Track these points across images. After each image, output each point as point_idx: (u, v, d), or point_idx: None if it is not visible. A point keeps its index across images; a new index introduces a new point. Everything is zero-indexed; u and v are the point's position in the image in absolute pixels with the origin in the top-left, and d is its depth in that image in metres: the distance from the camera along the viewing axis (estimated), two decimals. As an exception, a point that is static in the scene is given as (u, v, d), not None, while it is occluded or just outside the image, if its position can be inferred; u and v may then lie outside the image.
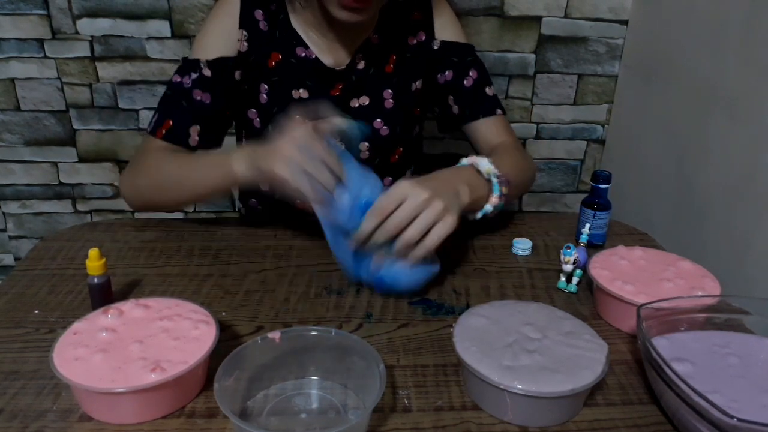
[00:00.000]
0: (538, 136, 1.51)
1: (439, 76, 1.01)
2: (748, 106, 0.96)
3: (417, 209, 0.71)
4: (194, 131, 0.91)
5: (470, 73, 1.01)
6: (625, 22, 1.40)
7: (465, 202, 0.78)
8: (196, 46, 0.92)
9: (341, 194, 0.73)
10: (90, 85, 1.38)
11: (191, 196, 0.90)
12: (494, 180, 0.83)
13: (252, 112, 0.96)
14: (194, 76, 0.90)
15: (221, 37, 0.91)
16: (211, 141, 0.94)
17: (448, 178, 0.79)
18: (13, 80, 1.36)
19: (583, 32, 1.40)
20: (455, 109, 1.02)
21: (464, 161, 0.85)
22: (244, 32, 0.91)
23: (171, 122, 0.90)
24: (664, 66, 1.23)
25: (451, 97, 1.02)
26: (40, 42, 1.33)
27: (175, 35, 1.35)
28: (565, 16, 1.39)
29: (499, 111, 1.02)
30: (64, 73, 1.37)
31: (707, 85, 1.07)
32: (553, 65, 1.43)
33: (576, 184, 1.59)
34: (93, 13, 1.32)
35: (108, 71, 1.37)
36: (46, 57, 1.35)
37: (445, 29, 1.00)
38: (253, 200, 1.07)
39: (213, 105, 0.91)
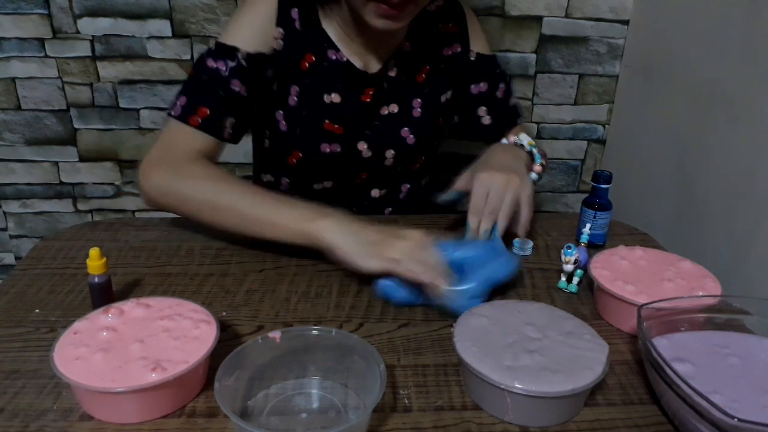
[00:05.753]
0: (538, 136, 1.51)
1: (473, 86, 1.03)
2: (748, 106, 0.96)
3: (502, 193, 0.81)
4: (229, 123, 0.88)
5: (500, 86, 1.05)
6: (626, 22, 1.40)
7: (523, 167, 0.88)
8: (231, 32, 0.88)
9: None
10: (91, 85, 1.38)
11: (252, 235, 0.81)
12: (535, 151, 0.94)
13: (279, 114, 0.94)
14: (231, 64, 0.85)
15: (259, 31, 0.88)
16: (237, 136, 0.92)
17: (505, 158, 0.88)
18: (14, 79, 1.36)
19: (584, 32, 1.40)
20: (486, 120, 1.05)
21: (504, 141, 0.95)
22: (281, 30, 0.89)
23: (207, 110, 0.85)
24: (665, 66, 1.23)
25: (484, 108, 1.05)
26: (41, 41, 1.33)
27: (176, 35, 1.35)
28: (566, 15, 1.39)
29: (519, 119, 1.09)
30: (65, 73, 1.37)
31: (708, 85, 1.07)
32: (554, 65, 1.43)
33: (577, 184, 1.59)
34: (94, 13, 1.32)
35: (109, 71, 1.37)
36: (47, 56, 1.35)
37: (478, 42, 1.03)
38: None
39: (247, 98, 0.88)
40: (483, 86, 1.04)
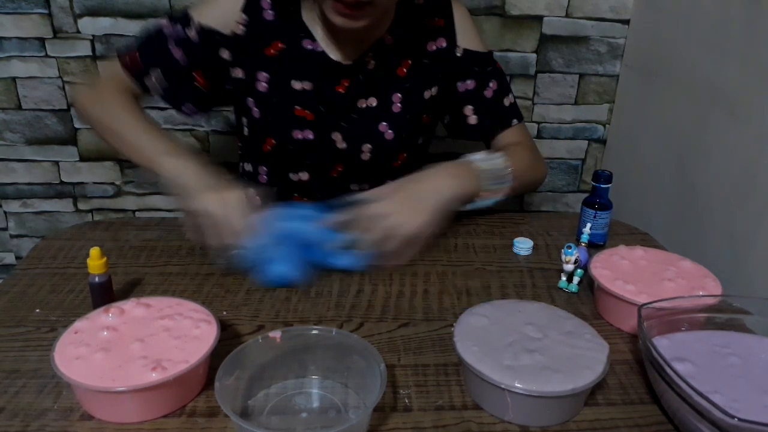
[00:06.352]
0: (539, 136, 1.51)
1: (459, 84, 1.00)
2: (749, 105, 0.96)
3: (382, 224, 0.81)
4: (156, 76, 0.93)
5: (490, 84, 1.01)
6: (626, 22, 1.40)
7: (448, 196, 0.87)
8: (198, 4, 0.94)
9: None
10: (91, 84, 1.38)
11: (127, 156, 0.90)
12: (487, 176, 0.91)
13: (250, 101, 0.96)
14: (180, 31, 0.91)
15: (221, 11, 0.92)
16: (171, 96, 0.96)
17: (425, 179, 0.87)
18: (14, 79, 1.36)
19: (585, 32, 1.40)
20: (472, 119, 1.02)
21: (461, 158, 0.92)
22: (245, 16, 0.92)
23: (138, 58, 0.93)
24: (666, 66, 1.23)
25: (470, 107, 1.02)
26: (42, 41, 1.33)
27: (176, 34, 1.35)
28: (567, 15, 1.39)
29: (515, 121, 1.04)
30: (66, 72, 1.37)
31: (708, 85, 1.07)
32: (555, 65, 1.43)
33: (577, 184, 1.59)
34: (94, 12, 1.32)
35: (109, 70, 1.37)
36: (47, 56, 1.35)
37: (466, 37, 1.00)
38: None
39: (185, 66, 0.92)
40: (470, 84, 1.00)
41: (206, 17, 0.92)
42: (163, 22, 0.93)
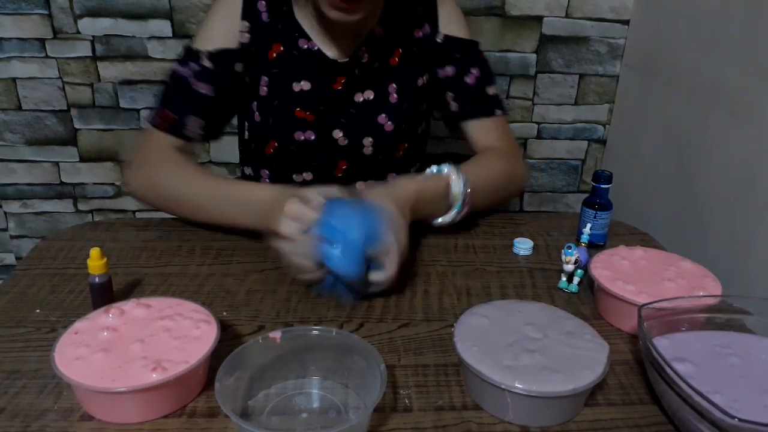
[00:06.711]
0: (539, 136, 1.51)
1: (440, 70, 0.99)
2: (749, 106, 0.96)
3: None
4: (196, 124, 0.91)
5: (472, 71, 0.99)
6: (626, 22, 1.40)
7: (423, 216, 0.86)
8: (198, 36, 0.93)
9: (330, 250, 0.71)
10: (91, 85, 1.39)
11: (221, 224, 0.88)
12: (459, 200, 0.87)
13: (254, 105, 0.96)
14: (195, 67, 0.90)
15: (223, 28, 0.92)
16: (211, 133, 0.96)
17: (409, 199, 0.81)
18: (14, 80, 1.37)
19: (585, 32, 1.40)
20: (453, 106, 1.01)
21: (444, 169, 0.87)
22: (246, 23, 0.92)
23: (172, 114, 0.91)
24: (666, 66, 1.23)
25: (451, 94, 1.00)
26: (42, 42, 1.34)
27: (176, 35, 1.35)
28: (567, 15, 1.39)
29: (498, 112, 1.01)
30: (66, 73, 1.37)
31: (708, 85, 1.07)
32: (555, 65, 1.43)
33: (577, 184, 1.59)
34: (94, 13, 1.32)
35: (109, 71, 1.37)
36: (47, 57, 1.35)
37: (449, 23, 0.99)
38: None
39: (214, 97, 0.91)
40: (449, 70, 0.98)
41: (211, 42, 0.91)
42: (177, 68, 0.92)
